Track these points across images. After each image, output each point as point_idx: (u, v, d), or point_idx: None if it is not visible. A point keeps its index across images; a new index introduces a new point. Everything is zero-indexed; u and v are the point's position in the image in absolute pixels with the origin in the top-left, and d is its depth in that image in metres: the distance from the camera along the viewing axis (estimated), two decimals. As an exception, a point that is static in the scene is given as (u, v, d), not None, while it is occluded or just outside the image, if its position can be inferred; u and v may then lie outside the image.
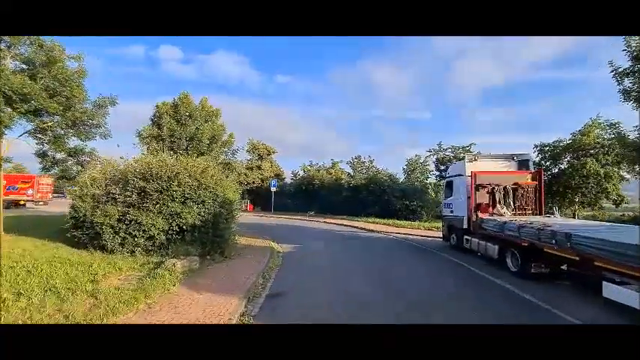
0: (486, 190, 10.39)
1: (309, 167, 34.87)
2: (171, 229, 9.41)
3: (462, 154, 24.21)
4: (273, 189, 31.37)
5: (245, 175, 14.82)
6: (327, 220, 23.42)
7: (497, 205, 10.26)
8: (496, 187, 10.32)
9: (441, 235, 13.35)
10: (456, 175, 11.91)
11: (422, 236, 15.80)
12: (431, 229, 17.75)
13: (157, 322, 4.99)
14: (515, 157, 11.27)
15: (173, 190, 9.46)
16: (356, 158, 35.13)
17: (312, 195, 30.94)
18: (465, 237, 10.76)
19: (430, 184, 31.56)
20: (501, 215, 10.10)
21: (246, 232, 16.15)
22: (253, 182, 35.82)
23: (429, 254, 11.53)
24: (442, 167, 25.15)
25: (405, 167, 33.89)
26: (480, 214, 10.21)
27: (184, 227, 9.47)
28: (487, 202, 10.40)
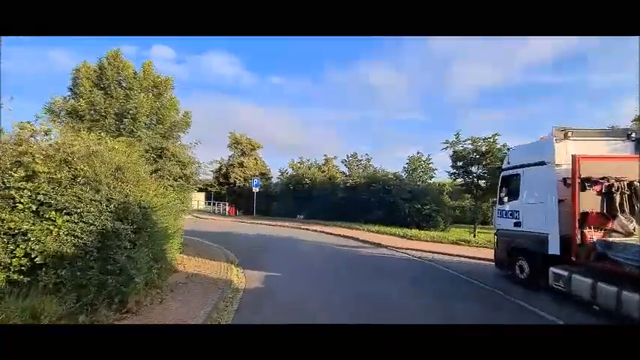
0: (597, 188, 5.89)
1: (298, 164, 29.97)
2: (13, 262, 4.81)
3: (483, 147, 19.81)
4: (255, 189, 26.62)
5: (199, 164, 10.26)
6: (320, 229, 18.62)
7: (619, 214, 5.77)
8: (614, 185, 5.83)
9: (493, 259, 8.72)
10: (528, 165, 7.27)
11: (452, 256, 11.03)
12: (458, 243, 12.98)
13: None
14: (632, 135, 6.77)
15: (15, 189, 4.85)
16: (351, 156, 30.46)
17: (302, 196, 26.09)
18: (554, 270, 6.23)
19: (435, 183, 27.29)
20: (631, 233, 5.64)
21: (206, 248, 11.70)
22: (234, 182, 31.19)
23: (491, 299, 6.68)
24: (459, 163, 20.65)
25: (405, 165, 29.59)
26: (591, 233, 5.72)
27: (40, 259, 4.88)
28: (598, 209, 5.91)
